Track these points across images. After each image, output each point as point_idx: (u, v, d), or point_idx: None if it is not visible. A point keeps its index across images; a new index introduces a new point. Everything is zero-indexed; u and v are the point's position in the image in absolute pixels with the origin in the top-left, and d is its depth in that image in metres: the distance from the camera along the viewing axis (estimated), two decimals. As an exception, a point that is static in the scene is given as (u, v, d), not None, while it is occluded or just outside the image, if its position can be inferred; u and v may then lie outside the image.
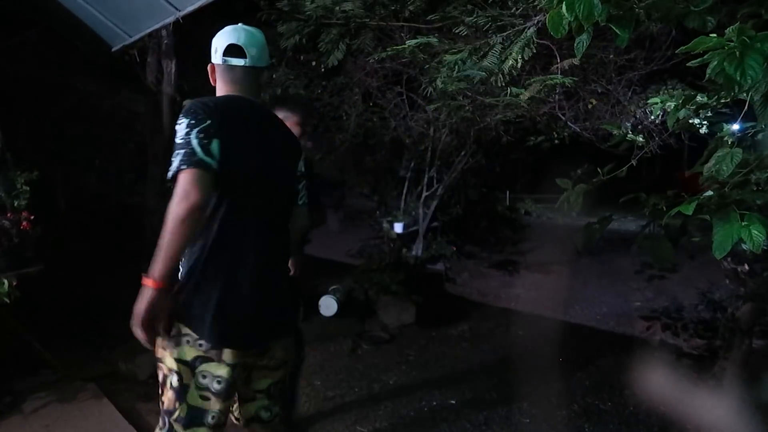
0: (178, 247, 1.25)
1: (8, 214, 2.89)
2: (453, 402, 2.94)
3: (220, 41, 1.50)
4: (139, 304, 1.27)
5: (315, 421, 2.69)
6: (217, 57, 1.50)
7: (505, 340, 3.95)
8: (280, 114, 2.21)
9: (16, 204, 2.94)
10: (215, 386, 1.37)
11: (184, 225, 1.23)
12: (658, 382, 3.04)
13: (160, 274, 1.25)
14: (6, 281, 2.62)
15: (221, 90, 1.52)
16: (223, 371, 1.37)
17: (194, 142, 1.29)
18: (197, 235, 1.34)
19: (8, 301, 2.61)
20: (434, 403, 2.92)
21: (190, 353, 1.36)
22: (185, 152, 1.28)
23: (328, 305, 4.46)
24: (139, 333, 1.29)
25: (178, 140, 1.31)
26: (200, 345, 1.35)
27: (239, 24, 1.53)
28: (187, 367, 1.37)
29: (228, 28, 1.51)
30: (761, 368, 2.82)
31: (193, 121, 1.32)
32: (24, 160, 3.15)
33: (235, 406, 1.60)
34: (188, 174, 1.26)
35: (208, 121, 1.32)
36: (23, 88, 4.74)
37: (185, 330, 1.36)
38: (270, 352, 1.51)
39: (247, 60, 1.48)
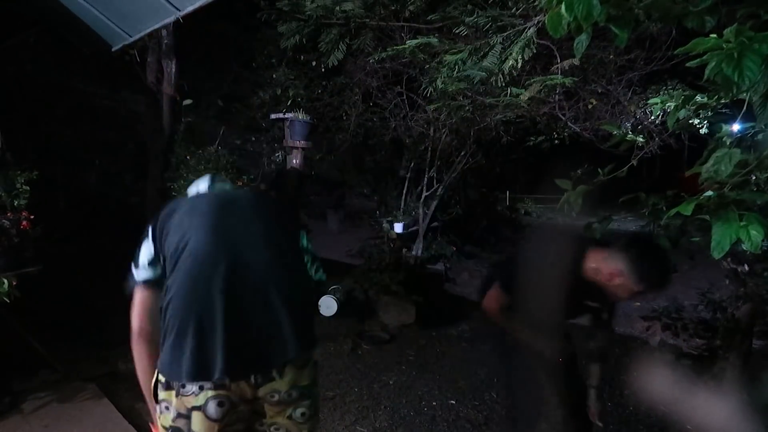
0: (143, 366, 1.36)
1: (8, 214, 2.89)
2: (453, 402, 2.94)
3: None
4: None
5: (315, 421, 2.69)
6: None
7: (505, 340, 3.94)
8: (600, 255, 1.69)
9: (16, 204, 2.95)
10: None
11: (138, 344, 1.35)
12: (658, 382, 3.04)
13: (147, 396, 1.34)
14: (6, 281, 2.62)
15: None
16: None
17: (140, 259, 1.35)
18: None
19: (8, 301, 2.62)
20: (434, 403, 2.92)
21: (164, 420, 1.28)
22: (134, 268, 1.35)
23: (328, 305, 4.46)
24: None
25: None
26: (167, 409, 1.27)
27: None
28: None
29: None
30: (761, 368, 2.82)
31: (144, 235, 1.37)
32: (24, 160, 3.16)
33: None
34: (135, 293, 1.34)
35: (150, 230, 1.35)
36: (23, 88, 4.75)
37: (163, 395, 1.29)
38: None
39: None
